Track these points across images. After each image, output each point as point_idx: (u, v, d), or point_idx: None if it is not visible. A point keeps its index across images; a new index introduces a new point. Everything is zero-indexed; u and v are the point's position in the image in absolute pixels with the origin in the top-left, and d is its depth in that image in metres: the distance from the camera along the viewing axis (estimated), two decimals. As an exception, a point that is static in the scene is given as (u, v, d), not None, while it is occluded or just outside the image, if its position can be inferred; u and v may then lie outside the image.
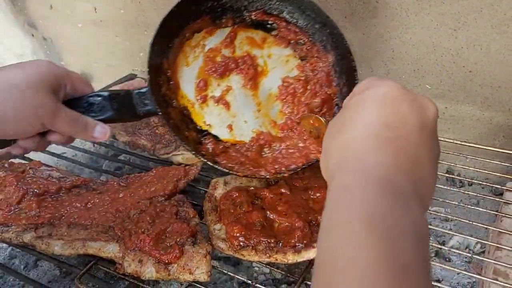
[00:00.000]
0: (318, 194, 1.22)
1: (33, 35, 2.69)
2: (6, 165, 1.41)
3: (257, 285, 1.11)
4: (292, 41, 1.31)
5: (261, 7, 1.29)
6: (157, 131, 1.61)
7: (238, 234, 1.13)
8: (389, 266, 0.47)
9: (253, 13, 1.30)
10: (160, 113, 1.11)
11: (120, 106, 1.08)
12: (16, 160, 1.53)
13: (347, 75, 1.24)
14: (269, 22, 1.31)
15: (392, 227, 0.51)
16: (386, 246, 0.49)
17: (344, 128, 0.73)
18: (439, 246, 1.32)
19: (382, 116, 0.69)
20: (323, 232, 0.60)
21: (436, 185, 1.33)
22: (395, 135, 0.67)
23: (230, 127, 1.28)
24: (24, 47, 2.78)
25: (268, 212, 1.18)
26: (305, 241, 1.10)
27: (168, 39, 1.21)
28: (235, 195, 1.23)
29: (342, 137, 0.72)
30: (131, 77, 2.16)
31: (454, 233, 1.24)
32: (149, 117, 1.65)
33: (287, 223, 1.15)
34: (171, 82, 1.22)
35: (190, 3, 1.20)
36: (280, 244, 1.12)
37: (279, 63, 1.30)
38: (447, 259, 1.51)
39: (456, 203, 1.32)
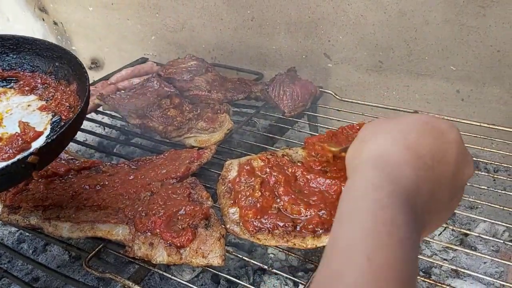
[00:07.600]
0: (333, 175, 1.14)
1: (43, 20, 2.65)
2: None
3: (274, 270, 1.05)
4: (36, 88, 1.28)
5: None
6: (169, 113, 1.54)
7: (253, 218, 1.07)
8: None
9: None
10: None
11: None
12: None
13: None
14: (11, 78, 1.28)
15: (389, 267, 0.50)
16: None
17: (381, 133, 0.68)
18: (466, 232, 1.25)
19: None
20: (336, 224, 0.58)
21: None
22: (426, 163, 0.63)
23: None
24: (35, 32, 2.74)
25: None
26: (325, 226, 1.04)
27: None
28: (250, 177, 1.16)
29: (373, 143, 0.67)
30: (143, 61, 2.10)
31: (482, 218, 1.16)
32: (161, 99, 1.59)
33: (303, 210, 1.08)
34: None
35: None
36: (298, 228, 1.05)
37: (19, 109, 1.25)
38: (472, 248, 1.43)
39: (485, 188, 1.24)
